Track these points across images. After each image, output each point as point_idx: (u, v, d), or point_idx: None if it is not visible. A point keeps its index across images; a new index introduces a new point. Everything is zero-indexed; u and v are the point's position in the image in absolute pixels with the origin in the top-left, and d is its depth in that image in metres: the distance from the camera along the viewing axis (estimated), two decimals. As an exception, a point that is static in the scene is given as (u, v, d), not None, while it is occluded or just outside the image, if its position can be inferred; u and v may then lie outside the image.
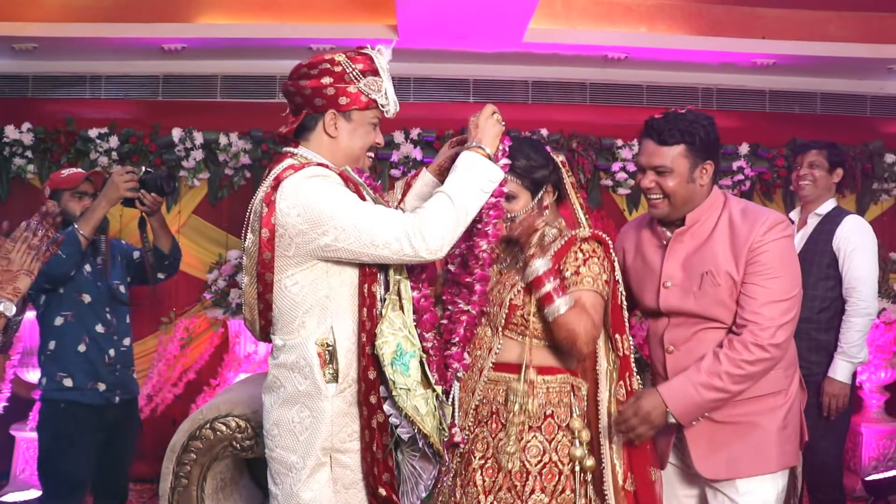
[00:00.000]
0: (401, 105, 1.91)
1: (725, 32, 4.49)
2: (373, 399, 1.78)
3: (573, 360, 2.05)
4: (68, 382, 2.78)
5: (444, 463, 1.88)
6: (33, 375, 4.01)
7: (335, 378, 1.78)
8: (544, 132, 4.67)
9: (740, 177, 4.73)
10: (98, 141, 4.48)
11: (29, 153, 4.48)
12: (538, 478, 1.96)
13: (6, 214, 4.30)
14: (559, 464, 1.98)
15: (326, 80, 1.81)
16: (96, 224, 2.70)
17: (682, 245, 2.12)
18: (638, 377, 2.06)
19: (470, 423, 2.05)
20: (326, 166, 1.82)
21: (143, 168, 2.76)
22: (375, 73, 1.84)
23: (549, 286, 1.96)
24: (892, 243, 4.69)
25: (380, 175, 4.56)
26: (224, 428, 2.35)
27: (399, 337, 1.78)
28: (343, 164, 1.89)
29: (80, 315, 2.81)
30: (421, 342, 1.86)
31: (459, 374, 2.02)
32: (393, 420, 1.77)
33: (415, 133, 4.60)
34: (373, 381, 1.78)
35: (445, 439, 1.86)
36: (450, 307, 2.03)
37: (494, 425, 2.02)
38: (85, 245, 2.70)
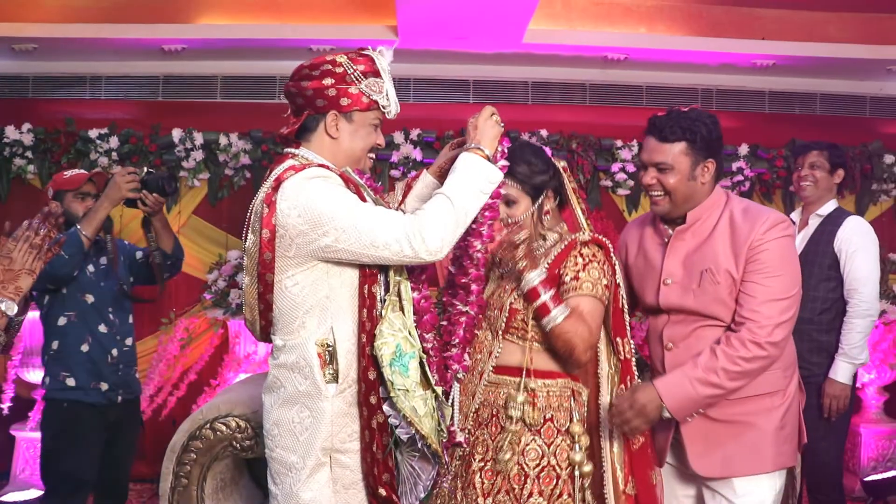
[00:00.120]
0: (401, 106, 1.91)
1: (725, 33, 4.50)
2: (373, 399, 1.78)
3: (573, 365, 2.06)
4: (71, 382, 2.79)
5: (443, 464, 1.88)
6: (34, 375, 4.01)
7: (335, 378, 1.78)
8: (544, 133, 4.68)
9: (740, 177, 4.74)
10: (98, 141, 4.49)
11: (29, 153, 4.48)
12: (536, 481, 1.96)
13: (6, 214, 4.30)
14: (557, 468, 1.98)
15: (328, 81, 1.82)
16: (98, 225, 2.71)
17: (682, 243, 2.12)
18: (639, 380, 2.06)
19: (470, 426, 2.05)
20: (327, 167, 1.82)
21: (145, 169, 2.76)
22: (377, 74, 1.85)
23: (544, 297, 1.96)
24: (891, 244, 4.70)
25: (380, 175, 4.57)
26: (224, 428, 2.35)
27: (399, 338, 1.79)
28: (344, 164, 1.89)
29: (84, 315, 2.82)
30: (421, 343, 1.86)
31: (459, 376, 2.03)
32: (392, 421, 1.77)
33: (415, 134, 4.61)
34: (373, 382, 1.78)
35: (444, 440, 1.86)
36: (448, 308, 2.04)
37: (494, 428, 2.02)
38: (87, 246, 2.71)
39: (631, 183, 4.71)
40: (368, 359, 1.77)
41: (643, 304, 2.24)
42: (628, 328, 2.06)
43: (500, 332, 2.06)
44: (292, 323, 1.81)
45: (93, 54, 4.60)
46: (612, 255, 2.07)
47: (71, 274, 2.74)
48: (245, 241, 1.88)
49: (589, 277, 2.01)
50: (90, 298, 2.84)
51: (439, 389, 1.85)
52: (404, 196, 2.12)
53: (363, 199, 1.83)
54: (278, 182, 1.78)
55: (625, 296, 2.08)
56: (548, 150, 2.18)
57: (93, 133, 4.48)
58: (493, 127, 1.88)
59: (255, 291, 1.84)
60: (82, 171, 3.09)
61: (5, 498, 3.85)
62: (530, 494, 1.96)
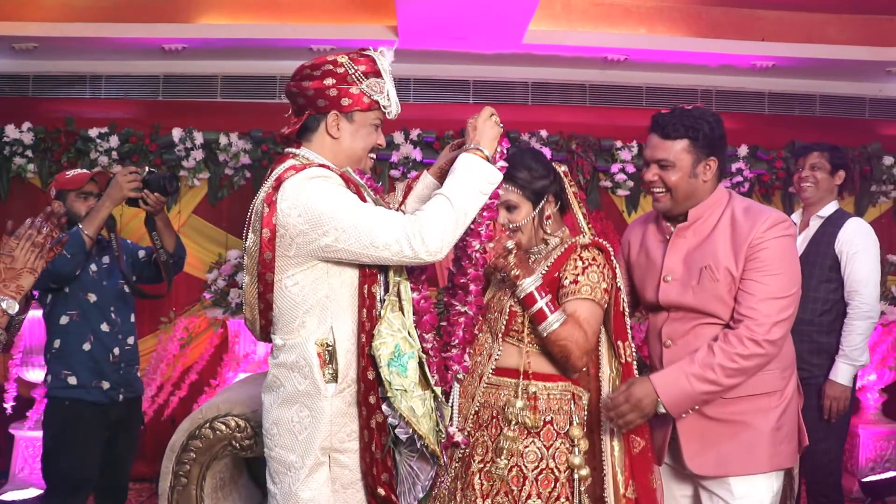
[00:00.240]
0: (401, 106, 1.91)
1: (725, 34, 4.50)
2: (372, 399, 1.78)
3: (570, 370, 2.06)
4: (73, 380, 2.80)
5: (442, 464, 1.88)
6: (33, 375, 4.02)
7: (334, 378, 1.79)
8: (544, 133, 4.68)
9: (739, 178, 4.75)
10: (98, 141, 4.49)
11: (29, 153, 4.48)
12: (535, 483, 1.96)
13: (6, 214, 4.32)
14: (556, 471, 1.98)
15: (329, 81, 1.82)
16: (100, 224, 2.72)
17: (683, 240, 2.13)
18: None
19: (470, 428, 2.06)
20: (328, 167, 1.83)
21: (147, 168, 2.77)
22: (378, 74, 1.85)
23: (540, 303, 1.97)
24: (890, 245, 4.70)
25: (379, 176, 4.57)
26: (223, 427, 2.35)
27: (398, 338, 1.79)
28: (345, 164, 1.90)
29: (86, 314, 2.84)
30: (421, 343, 1.86)
31: (460, 376, 2.03)
32: (391, 420, 1.78)
33: (415, 134, 4.61)
34: (372, 382, 1.78)
35: (443, 440, 1.86)
36: (448, 309, 2.04)
37: (494, 430, 2.02)
38: (89, 245, 2.72)
39: (630, 184, 4.72)
40: (368, 359, 1.77)
41: (644, 301, 2.25)
42: (629, 331, 2.06)
43: (500, 335, 2.07)
44: (292, 322, 1.81)
45: (93, 53, 4.60)
46: (612, 258, 2.07)
47: (73, 273, 2.75)
48: (245, 241, 1.88)
49: (588, 281, 2.01)
50: (92, 297, 2.85)
51: (438, 390, 1.85)
52: (405, 197, 2.12)
53: (363, 200, 1.83)
54: (279, 182, 1.78)
55: (626, 299, 2.08)
56: (547, 151, 2.18)
57: (93, 132, 4.49)
58: (492, 128, 1.89)
59: (255, 291, 1.84)
60: (84, 170, 3.10)
61: (4, 497, 3.85)
62: (528, 496, 1.96)
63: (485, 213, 1.94)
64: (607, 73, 4.88)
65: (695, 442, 2.07)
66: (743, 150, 4.74)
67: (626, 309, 2.07)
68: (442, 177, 2.00)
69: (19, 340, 3.93)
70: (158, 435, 3.86)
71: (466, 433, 2.05)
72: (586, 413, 2.07)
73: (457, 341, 2.00)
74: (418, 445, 1.79)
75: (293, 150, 1.89)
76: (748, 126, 4.86)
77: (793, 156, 4.53)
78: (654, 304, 2.17)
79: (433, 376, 1.85)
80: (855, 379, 3.03)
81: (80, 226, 2.71)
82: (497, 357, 2.07)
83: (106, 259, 2.93)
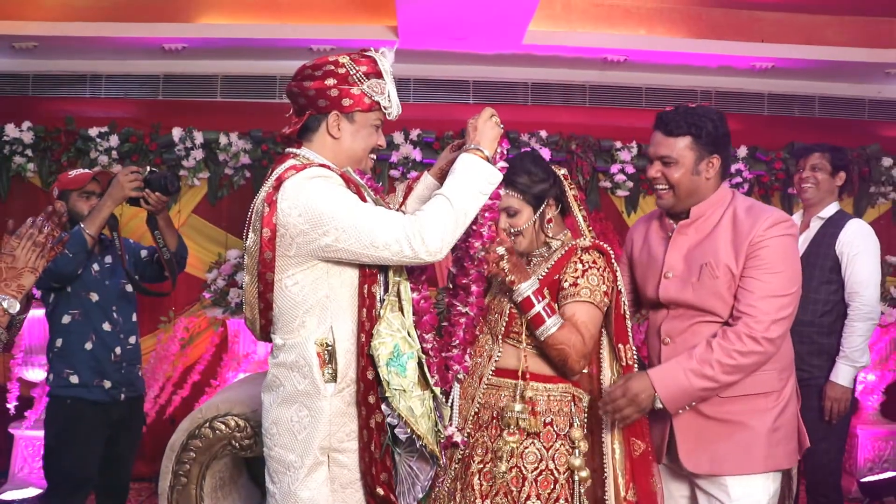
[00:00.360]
0: (401, 106, 1.92)
1: (724, 36, 4.51)
2: (371, 399, 1.78)
3: (568, 374, 2.06)
4: (74, 379, 2.81)
5: (441, 464, 1.88)
6: (34, 374, 4.02)
7: (334, 378, 1.79)
8: (543, 134, 4.68)
9: (738, 179, 4.75)
10: (98, 140, 4.49)
11: (29, 152, 4.48)
12: (534, 484, 1.97)
13: (6, 213, 4.32)
14: (555, 472, 1.98)
15: (330, 81, 1.82)
16: (102, 223, 2.73)
17: (685, 237, 2.13)
18: None
19: (470, 429, 2.06)
20: (328, 167, 1.83)
21: (148, 168, 2.78)
22: (379, 75, 1.85)
23: (538, 307, 1.97)
24: (888, 247, 4.71)
25: (379, 176, 4.57)
26: (223, 427, 2.35)
27: (397, 338, 1.79)
28: (345, 165, 1.90)
29: (88, 313, 2.85)
30: (421, 343, 1.87)
31: (460, 377, 2.03)
32: (390, 420, 1.78)
33: (414, 134, 4.61)
34: (371, 382, 1.78)
35: (442, 441, 1.86)
36: (449, 309, 2.04)
37: (494, 430, 2.03)
38: (91, 244, 2.72)
39: (630, 184, 4.72)
40: (367, 358, 1.78)
41: (644, 298, 2.25)
42: (630, 334, 2.06)
43: (500, 337, 2.07)
44: (292, 322, 1.81)
45: (93, 53, 4.61)
46: (613, 261, 2.08)
47: (75, 272, 2.76)
48: (246, 240, 1.89)
49: (587, 284, 2.02)
50: (94, 297, 2.86)
51: (438, 390, 1.86)
52: (405, 197, 2.13)
53: (364, 200, 1.84)
54: (279, 181, 1.79)
55: (626, 302, 2.09)
56: (547, 152, 2.19)
57: (93, 132, 4.48)
58: (492, 128, 1.89)
59: (255, 290, 1.85)
60: (87, 170, 3.11)
61: (4, 496, 3.85)
62: (528, 497, 1.96)
63: (486, 214, 1.94)
64: (607, 74, 4.88)
65: (691, 440, 2.07)
66: (742, 151, 4.74)
67: (627, 312, 2.07)
68: (442, 177, 2.01)
69: (20, 340, 3.93)
70: (158, 434, 3.85)
71: (466, 434, 2.05)
72: (587, 415, 2.07)
73: (457, 341, 2.00)
74: (417, 445, 1.79)
75: (294, 150, 1.90)
76: (747, 127, 4.86)
77: (793, 156, 4.54)
78: (654, 300, 2.17)
79: (433, 376, 1.85)
80: (855, 380, 3.03)
81: (82, 225, 2.72)
82: (497, 358, 2.07)
83: (108, 258, 2.94)
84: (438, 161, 2.12)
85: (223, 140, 4.53)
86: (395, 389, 1.75)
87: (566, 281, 2.03)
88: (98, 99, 4.75)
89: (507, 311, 2.05)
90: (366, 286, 1.81)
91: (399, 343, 1.79)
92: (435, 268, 3.60)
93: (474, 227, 1.94)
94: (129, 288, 2.96)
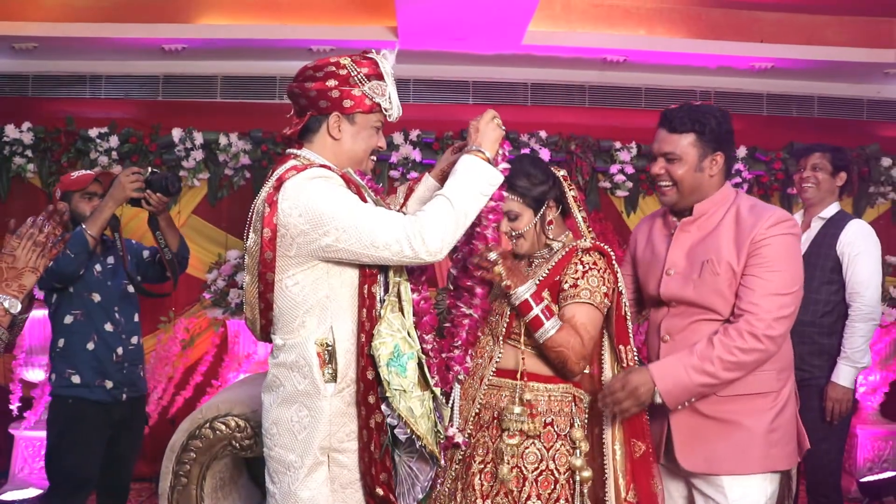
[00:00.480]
0: (401, 107, 1.92)
1: (724, 36, 4.51)
2: (371, 399, 1.78)
3: (567, 375, 2.06)
4: (76, 379, 2.82)
5: (441, 465, 1.88)
6: (33, 374, 4.02)
7: (334, 378, 1.79)
8: (543, 134, 4.68)
9: (738, 179, 4.75)
10: (98, 141, 4.49)
11: (29, 152, 4.48)
12: (534, 485, 1.97)
13: (6, 214, 4.32)
14: (556, 472, 1.98)
15: (331, 82, 1.83)
16: (103, 224, 2.74)
17: (687, 235, 2.14)
18: None
19: (471, 429, 2.06)
20: (329, 168, 1.83)
21: (149, 169, 2.78)
22: (380, 77, 1.86)
23: (536, 310, 1.98)
24: (888, 247, 4.71)
25: (379, 176, 4.57)
26: (223, 427, 2.36)
27: (397, 338, 1.79)
28: (346, 166, 1.91)
29: (90, 314, 2.86)
30: (421, 344, 1.87)
31: (461, 377, 2.04)
32: (390, 421, 1.78)
33: (414, 134, 4.61)
34: (371, 382, 1.78)
35: (442, 441, 1.86)
36: (452, 311, 2.04)
37: (495, 431, 2.03)
38: (92, 244, 2.73)
39: (630, 185, 4.72)
40: (367, 358, 1.78)
41: (646, 295, 2.25)
42: (631, 336, 2.07)
43: (501, 338, 2.08)
44: (292, 322, 1.81)
45: (93, 53, 4.61)
46: (613, 262, 2.08)
47: (76, 273, 2.77)
48: (246, 241, 1.89)
49: (587, 285, 2.02)
50: (97, 297, 2.87)
51: (438, 390, 1.86)
52: (406, 199, 2.13)
53: (364, 200, 1.84)
54: (280, 182, 1.79)
55: (627, 303, 2.09)
56: (546, 152, 2.19)
57: (93, 132, 4.49)
58: (494, 130, 1.89)
59: (255, 290, 1.85)
60: (89, 171, 3.13)
61: (4, 497, 3.85)
62: (528, 497, 1.96)
63: (490, 216, 1.94)
64: (606, 74, 4.88)
65: (687, 439, 2.06)
66: (741, 152, 4.74)
67: (628, 313, 2.08)
68: (443, 179, 2.01)
69: (21, 340, 3.93)
70: (159, 435, 3.86)
71: (467, 434, 2.05)
72: (587, 415, 2.07)
73: (459, 342, 2.01)
74: (417, 446, 1.79)
75: (294, 150, 1.90)
76: (747, 127, 4.85)
77: (792, 157, 4.54)
78: (655, 297, 2.18)
79: (433, 377, 1.86)
80: (855, 381, 3.03)
81: (84, 226, 2.72)
82: (498, 359, 2.08)
83: (110, 259, 2.95)
84: (440, 163, 2.12)
85: (223, 141, 4.53)
86: (396, 390, 1.76)
87: (566, 282, 2.04)
88: (98, 99, 4.75)
89: (508, 313, 2.06)
90: (366, 286, 1.81)
91: (399, 343, 1.79)
92: (435, 268, 3.61)
93: (478, 230, 1.95)
94: (130, 288, 2.97)
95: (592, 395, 2.08)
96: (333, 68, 1.83)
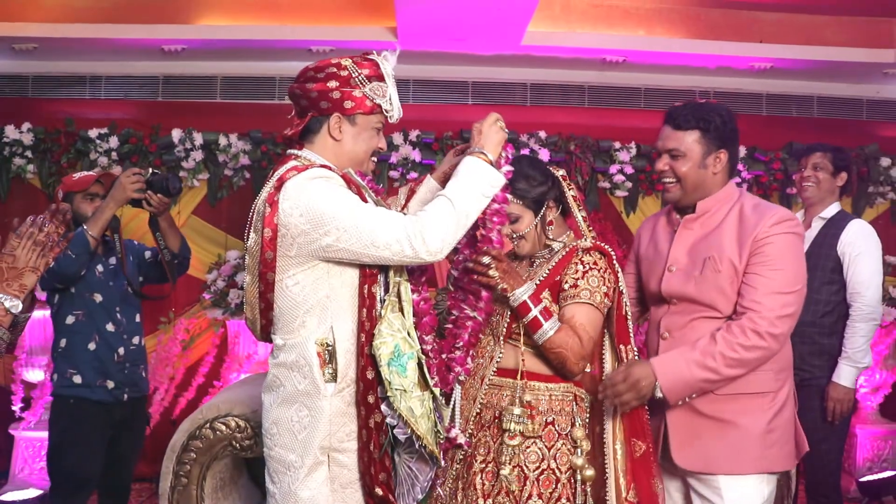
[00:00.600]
0: (402, 108, 1.93)
1: (723, 36, 4.51)
2: (370, 399, 1.79)
3: (567, 375, 2.06)
4: (78, 379, 2.82)
5: (440, 465, 1.89)
6: (33, 375, 4.02)
7: (334, 378, 1.79)
8: (542, 134, 4.68)
9: (737, 180, 4.76)
10: (98, 141, 4.49)
11: (29, 153, 4.49)
12: (536, 484, 1.97)
13: (6, 214, 4.32)
14: (557, 471, 1.99)
15: (332, 83, 1.83)
16: (104, 224, 2.75)
17: (690, 232, 2.14)
18: None
19: (472, 429, 2.07)
20: (330, 168, 1.84)
21: (150, 169, 2.79)
22: (381, 78, 1.87)
23: (534, 311, 1.98)
24: (887, 247, 4.71)
25: (378, 176, 4.57)
26: (224, 427, 2.36)
27: (398, 338, 1.80)
28: (347, 167, 1.91)
29: (91, 314, 2.86)
30: (420, 345, 1.87)
31: (461, 378, 2.04)
32: (390, 421, 1.78)
33: (413, 135, 4.61)
34: (371, 381, 1.79)
35: (441, 441, 1.86)
36: (454, 312, 2.05)
37: (496, 430, 2.03)
38: (93, 245, 2.74)
39: (629, 185, 4.73)
40: (367, 358, 1.78)
41: (648, 292, 2.25)
42: (632, 336, 2.07)
43: (502, 337, 2.08)
44: (293, 322, 1.82)
45: (93, 54, 4.61)
46: (614, 262, 2.08)
47: (78, 273, 2.77)
48: (247, 241, 1.89)
49: (587, 285, 2.02)
50: (98, 298, 2.87)
51: (437, 391, 1.86)
52: (407, 200, 2.13)
53: (364, 200, 1.85)
54: (281, 182, 1.79)
55: (629, 303, 2.09)
56: (546, 152, 2.19)
57: (92, 133, 4.49)
58: (497, 133, 1.90)
59: (256, 290, 1.85)
60: (90, 172, 3.13)
61: (4, 497, 3.85)
62: (529, 496, 1.96)
63: (495, 219, 1.95)
64: (606, 75, 4.89)
65: (683, 437, 2.06)
66: (740, 152, 4.74)
67: (629, 313, 2.08)
68: (445, 181, 2.01)
69: (22, 341, 3.94)
70: (159, 435, 3.86)
71: (468, 434, 2.05)
72: (588, 415, 2.07)
73: (461, 343, 2.01)
74: (417, 446, 1.79)
75: (295, 151, 1.91)
76: (746, 127, 4.77)
77: (791, 157, 4.54)
78: (656, 294, 2.18)
79: (432, 378, 1.86)
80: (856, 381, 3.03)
81: (85, 226, 2.73)
82: (499, 359, 2.08)
83: (112, 260, 2.95)
84: (442, 165, 2.12)
85: (223, 141, 4.53)
86: (397, 389, 1.76)
87: (566, 282, 2.04)
88: (98, 100, 4.76)
89: (509, 313, 2.06)
90: (366, 286, 1.82)
91: (400, 343, 1.79)
92: (434, 269, 3.61)
93: (483, 233, 1.95)
94: (133, 287, 2.98)
95: (593, 395, 2.08)
96: (334, 69, 1.83)
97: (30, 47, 4.43)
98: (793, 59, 4.55)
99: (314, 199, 1.75)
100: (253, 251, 1.85)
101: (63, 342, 2.86)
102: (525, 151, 4.51)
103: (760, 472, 2.04)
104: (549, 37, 4.43)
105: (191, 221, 4.62)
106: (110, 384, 2.86)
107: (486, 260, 1.96)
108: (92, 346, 2.84)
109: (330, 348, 1.80)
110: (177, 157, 4.53)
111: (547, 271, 2.07)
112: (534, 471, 1.98)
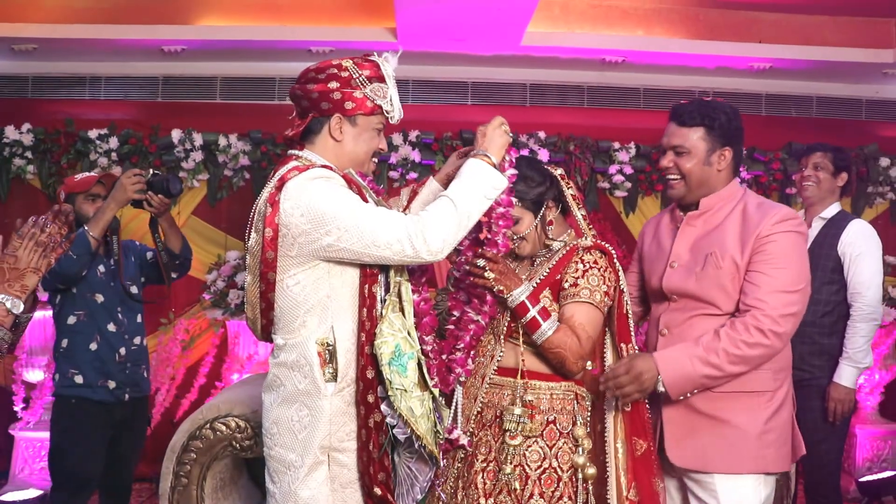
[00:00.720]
0: (402, 109, 1.93)
1: (722, 36, 4.51)
2: (370, 398, 1.79)
3: (567, 375, 2.06)
4: (79, 379, 2.83)
5: (440, 465, 1.89)
6: (33, 375, 4.02)
7: (334, 377, 1.80)
8: (542, 135, 4.69)
9: (737, 180, 4.75)
10: (98, 142, 4.49)
11: (29, 154, 4.49)
12: (537, 483, 1.97)
13: (6, 215, 4.33)
14: (558, 470, 1.99)
15: (333, 84, 1.84)
16: (105, 225, 2.75)
17: (693, 228, 2.15)
18: None
19: (473, 428, 2.07)
20: (331, 168, 1.84)
21: (151, 170, 2.80)
22: (381, 79, 1.87)
23: (532, 312, 1.98)
24: (887, 247, 4.71)
25: (378, 177, 4.58)
26: (224, 428, 2.37)
27: (398, 338, 1.80)
28: (347, 167, 1.91)
29: (93, 314, 2.87)
30: (421, 345, 1.88)
31: (462, 379, 2.04)
32: (390, 420, 1.79)
33: (413, 135, 4.61)
34: (371, 381, 1.79)
35: (441, 442, 1.87)
36: (456, 313, 2.05)
37: (497, 429, 2.04)
38: (95, 246, 2.75)
39: (629, 185, 4.73)
40: (367, 358, 1.79)
41: (649, 289, 2.26)
42: (633, 334, 2.07)
43: (502, 336, 2.08)
44: (293, 322, 1.82)
45: (92, 55, 4.61)
46: (615, 261, 2.08)
47: (79, 273, 2.78)
48: (248, 241, 1.90)
49: (587, 284, 2.02)
50: (100, 298, 2.88)
51: (436, 391, 1.86)
52: (410, 201, 2.13)
53: (365, 201, 1.85)
54: (282, 182, 1.80)
55: (629, 302, 2.09)
56: (545, 153, 2.19)
57: (92, 133, 4.49)
58: (501, 136, 1.91)
59: (256, 290, 1.86)
60: (92, 173, 3.14)
61: (4, 497, 3.85)
62: (531, 495, 1.97)
63: (500, 223, 1.95)
64: (605, 75, 4.89)
65: (679, 434, 2.06)
66: (740, 152, 4.75)
67: (630, 311, 2.08)
68: (448, 183, 2.01)
69: (22, 341, 3.94)
70: (159, 436, 3.86)
71: (469, 433, 2.06)
72: (589, 413, 2.08)
73: (462, 345, 2.01)
74: (416, 446, 1.80)
75: (296, 151, 1.91)
76: (745, 127, 4.81)
77: (792, 157, 4.54)
78: (658, 290, 2.18)
79: (432, 378, 1.86)
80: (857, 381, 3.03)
81: (86, 227, 2.74)
82: (500, 358, 2.08)
83: (113, 260, 2.96)
84: (445, 167, 2.12)
85: (222, 142, 4.54)
86: (397, 389, 1.76)
87: (567, 281, 2.04)
88: (97, 101, 4.76)
89: (508, 312, 2.06)
90: (367, 286, 1.82)
91: (400, 343, 1.80)
92: (434, 269, 3.61)
93: (489, 236, 1.95)
94: (134, 289, 2.99)
95: (595, 393, 2.09)
96: (335, 70, 1.84)
97: (30, 48, 4.43)
98: (792, 59, 4.55)
99: (315, 198, 1.76)
100: (254, 251, 1.85)
101: (64, 342, 2.87)
102: (525, 152, 4.51)
103: (756, 473, 2.03)
104: (548, 37, 4.43)
105: (191, 222, 4.62)
106: (111, 384, 2.87)
107: (481, 263, 1.96)
108: (93, 346, 2.85)
109: (330, 348, 1.80)
110: (176, 158, 4.53)
111: (547, 270, 2.08)
112: (535, 470, 1.98)
